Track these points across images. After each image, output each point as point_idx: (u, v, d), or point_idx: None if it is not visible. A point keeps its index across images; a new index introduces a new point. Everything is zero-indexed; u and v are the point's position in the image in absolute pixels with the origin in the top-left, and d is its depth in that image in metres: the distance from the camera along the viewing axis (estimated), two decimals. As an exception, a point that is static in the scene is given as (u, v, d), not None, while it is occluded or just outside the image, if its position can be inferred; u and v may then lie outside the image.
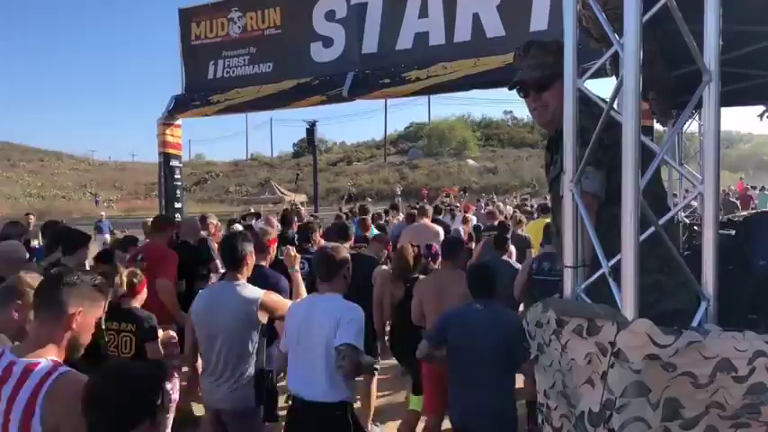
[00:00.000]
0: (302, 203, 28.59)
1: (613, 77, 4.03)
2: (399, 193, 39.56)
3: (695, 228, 5.93)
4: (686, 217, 6.64)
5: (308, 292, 3.95)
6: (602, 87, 1.92)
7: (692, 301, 1.50)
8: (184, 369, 4.61)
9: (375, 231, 8.46)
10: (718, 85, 1.40)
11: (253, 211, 16.36)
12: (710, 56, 1.40)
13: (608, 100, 1.58)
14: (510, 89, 2.23)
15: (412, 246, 5.20)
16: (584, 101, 1.68)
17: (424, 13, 6.96)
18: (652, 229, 1.44)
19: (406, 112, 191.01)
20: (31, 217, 12.82)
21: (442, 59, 6.73)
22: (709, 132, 1.46)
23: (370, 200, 33.23)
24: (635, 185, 1.35)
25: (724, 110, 1.51)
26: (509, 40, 6.40)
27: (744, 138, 55.70)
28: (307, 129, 32.79)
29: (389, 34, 7.19)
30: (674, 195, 7.39)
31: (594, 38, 2.60)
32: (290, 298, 3.83)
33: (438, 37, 6.89)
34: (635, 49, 1.35)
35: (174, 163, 9.17)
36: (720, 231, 1.55)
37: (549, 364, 1.63)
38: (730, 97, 4.64)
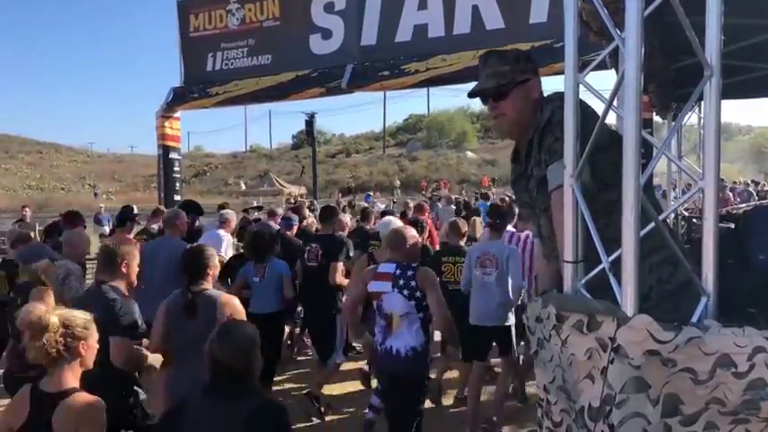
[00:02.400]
0: (301, 195, 28.52)
1: (613, 70, 4.01)
2: (398, 185, 39.49)
3: (694, 221, 5.93)
4: (685, 210, 6.64)
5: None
6: (593, 79, 1.88)
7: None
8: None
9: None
10: (720, 80, 1.39)
11: (255, 204, 16.24)
12: (712, 51, 1.38)
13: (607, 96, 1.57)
14: (470, 97, 2.19)
15: None
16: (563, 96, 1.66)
17: (423, 5, 6.94)
18: (652, 224, 1.43)
19: (404, 104, 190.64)
20: (27, 209, 12.80)
21: (441, 51, 6.72)
22: (710, 128, 1.44)
23: (378, 194, 32.97)
24: (636, 181, 1.34)
25: (724, 102, 1.49)
26: (509, 33, 6.40)
27: (743, 130, 55.64)
28: (306, 120, 32.74)
29: (389, 26, 7.16)
30: (674, 195, 7.39)
31: (594, 31, 2.59)
32: None
33: (437, 29, 6.87)
34: (636, 43, 1.33)
35: (173, 155, 9.16)
36: (720, 225, 1.54)
37: (549, 359, 1.64)
38: (732, 90, 4.63)
